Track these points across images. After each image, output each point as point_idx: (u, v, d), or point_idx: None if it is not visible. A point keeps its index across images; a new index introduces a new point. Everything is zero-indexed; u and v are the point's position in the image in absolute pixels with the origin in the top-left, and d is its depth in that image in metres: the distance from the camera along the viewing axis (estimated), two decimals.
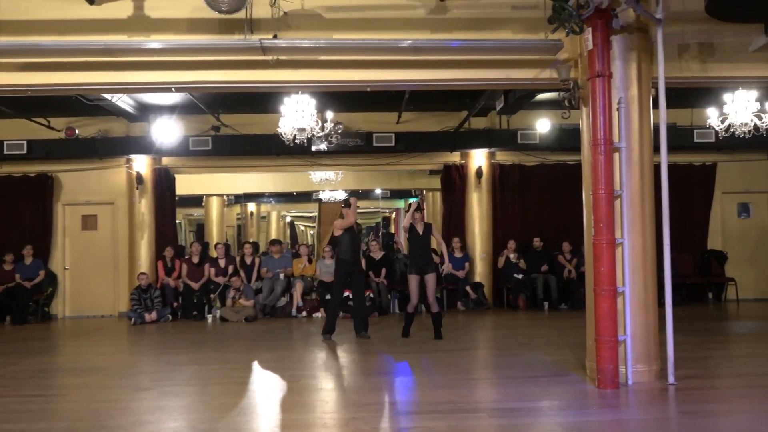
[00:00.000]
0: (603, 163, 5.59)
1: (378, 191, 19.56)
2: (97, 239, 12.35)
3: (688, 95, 10.33)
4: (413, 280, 8.45)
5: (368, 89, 7.05)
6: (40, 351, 8.59)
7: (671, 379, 5.65)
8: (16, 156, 11.59)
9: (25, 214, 12.05)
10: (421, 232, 8.58)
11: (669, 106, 5.87)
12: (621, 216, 5.77)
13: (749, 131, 9.23)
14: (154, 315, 10.92)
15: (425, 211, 8.52)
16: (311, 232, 28.63)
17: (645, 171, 5.87)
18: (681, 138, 11.31)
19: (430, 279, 8.43)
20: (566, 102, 6.26)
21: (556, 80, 6.36)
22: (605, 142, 5.59)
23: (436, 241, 9.07)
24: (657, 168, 5.89)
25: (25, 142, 11.51)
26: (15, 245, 11.71)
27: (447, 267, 8.98)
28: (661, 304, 5.93)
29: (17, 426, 4.91)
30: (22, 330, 10.57)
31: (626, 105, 5.81)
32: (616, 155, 5.77)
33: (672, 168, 5.92)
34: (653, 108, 5.98)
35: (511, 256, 11.87)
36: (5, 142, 11.48)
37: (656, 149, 5.91)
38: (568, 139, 11.23)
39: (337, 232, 9.01)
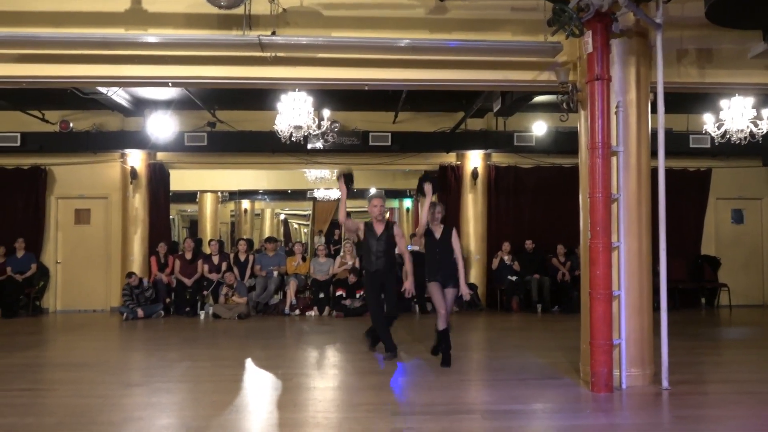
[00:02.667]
0: (600, 167, 5.58)
1: (373, 191, 19.54)
2: (90, 233, 12.28)
3: (685, 101, 10.37)
4: (435, 288, 6.77)
5: (366, 88, 7.03)
6: (31, 345, 8.54)
7: (665, 383, 5.65)
8: (10, 148, 11.52)
9: (17, 206, 11.98)
10: (438, 236, 6.92)
11: (666, 111, 5.86)
12: (617, 220, 5.77)
13: (745, 138, 9.27)
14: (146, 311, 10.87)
15: (440, 208, 6.98)
16: (305, 230, 28.59)
17: (642, 175, 5.87)
18: (676, 143, 11.34)
19: (450, 294, 6.86)
20: (564, 105, 6.26)
21: (555, 83, 6.37)
22: (603, 145, 5.59)
23: (455, 255, 6.94)
24: (654, 173, 5.90)
25: (18, 135, 11.45)
26: (7, 238, 11.67)
27: (464, 293, 6.96)
28: (654, 308, 5.94)
29: (6, 420, 4.86)
30: (12, 323, 10.51)
31: (624, 109, 5.81)
32: (614, 159, 5.77)
33: (667, 173, 5.91)
34: (651, 113, 5.99)
35: (506, 257, 11.87)
36: None
37: (653, 154, 5.92)
38: (564, 142, 11.27)
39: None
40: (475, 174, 12.28)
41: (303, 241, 20.50)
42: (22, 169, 12.03)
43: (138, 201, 12.13)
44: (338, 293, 11.26)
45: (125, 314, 10.77)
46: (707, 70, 6.38)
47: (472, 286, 11.98)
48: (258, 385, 6.18)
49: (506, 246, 11.92)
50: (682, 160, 12.21)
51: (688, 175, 12.59)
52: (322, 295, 11.36)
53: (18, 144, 11.45)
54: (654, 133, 5.89)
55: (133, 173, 12.02)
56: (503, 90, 9.62)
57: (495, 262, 11.97)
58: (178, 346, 8.40)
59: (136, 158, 12.12)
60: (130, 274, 11.21)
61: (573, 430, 4.64)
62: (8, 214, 11.96)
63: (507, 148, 12.11)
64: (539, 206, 12.38)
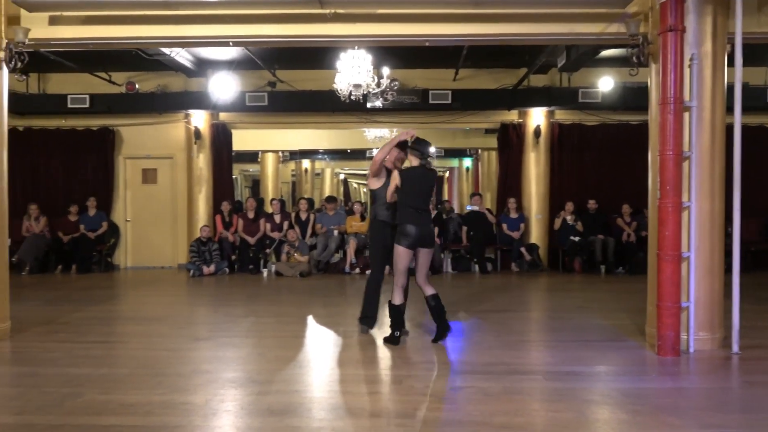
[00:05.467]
0: (672, 123, 5.35)
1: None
2: (156, 192, 12.63)
3: (763, 52, 9.78)
4: (404, 255, 5.85)
5: (427, 44, 6.90)
6: (104, 299, 8.90)
7: (735, 348, 5.47)
8: (80, 110, 11.88)
9: (88, 166, 12.39)
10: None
11: (743, 63, 5.54)
12: (689, 179, 5.54)
13: None
14: (212, 268, 11.16)
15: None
16: (364, 189, 28.70)
17: (716, 132, 5.60)
18: (753, 98, 10.72)
19: (427, 253, 5.92)
20: (634, 58, 6.00)
21: (624, 35, 6.09)
22: (675, 100, 5.34)
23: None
24: (728, 129, 5.62)
25: (87, 96, 11.78)
26: (79, 197, 12.11)
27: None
28: (725, 270, 5.72)
29: (82, 371, 5.08)
30: (86, 279, 10.97)
31: (699, 62, 5.52)
32: (686, 115, 5.52)
33: (742, 130, 5.62)
34: (727, 66, 5.67)
35: (568, 217, 11.63)
36: (69, 96, 11.78)
37: (728, 109, 5.63)
38: (632, 97, 10.89)
39: (374, 184, 6.25)
40: (537, 132, 12.00)
41: (362, 201, 20.59)
42: (91, 130, 12.40)
43: (202, 161, 12.36)
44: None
45: (192, 271, 11.09)
46: None
47: (533, 247, 11.83)
48: (320, 342, 6.29)
49: (569, 206, 11.66)
50: (758, 115, 11.59)
51: (765, 131, 11.95)
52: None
53: (87, 105, 11.79)
54: (730, 88, 5.59)
55: (197, 133, 12.23)
56: (569, 44, 9.29)
57: (557, 222, 11.74)
58: (243, 303, 8.61)
59: (199, 118, 12.31)
60: (203, 228, 11.56)
61: (638, 393, 4.54)
62: (80, 174, 12.38)
63: (571, 105, 11.76)
64: (604, 165, 12.04)
